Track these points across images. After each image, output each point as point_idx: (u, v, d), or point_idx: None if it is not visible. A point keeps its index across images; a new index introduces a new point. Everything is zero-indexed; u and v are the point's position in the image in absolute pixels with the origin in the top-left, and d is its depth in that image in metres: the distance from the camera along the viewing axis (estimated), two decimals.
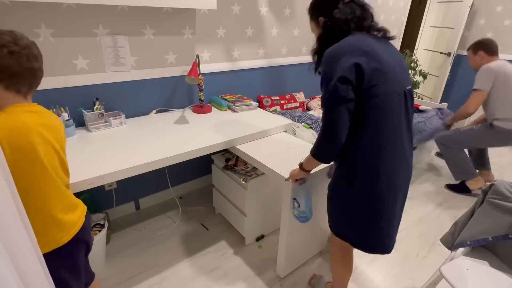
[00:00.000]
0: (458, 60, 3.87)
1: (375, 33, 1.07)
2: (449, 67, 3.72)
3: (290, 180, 1.32)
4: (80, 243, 1.00)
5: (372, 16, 1.08)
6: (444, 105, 2.98)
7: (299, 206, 1.33)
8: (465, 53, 3.75)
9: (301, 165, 1.23)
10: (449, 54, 3.66)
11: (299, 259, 1.71)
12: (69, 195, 0.98)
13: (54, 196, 0.90)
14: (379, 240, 1.12)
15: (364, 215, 1.08)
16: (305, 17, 2.75)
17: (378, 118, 0.98)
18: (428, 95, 4.04)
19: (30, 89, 0.88)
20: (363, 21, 1.05)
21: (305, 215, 1.33)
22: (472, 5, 3.46)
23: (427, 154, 3.14)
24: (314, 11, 1.13)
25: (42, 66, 0.90)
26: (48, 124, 0.89)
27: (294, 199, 1.34)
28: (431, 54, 3.97)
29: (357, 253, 1.84)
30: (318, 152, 1.10)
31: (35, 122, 0.84)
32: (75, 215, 0.98)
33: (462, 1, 3.47)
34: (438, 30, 3.81)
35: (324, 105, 1.01)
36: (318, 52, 1.13)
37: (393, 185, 1.04)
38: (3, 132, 0.77)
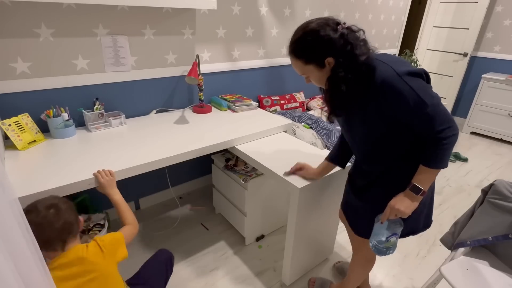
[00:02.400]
0: (471, 61, 3.88)
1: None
2: (465, 67, 3.71)
3: (396, 216, 1.04)
4: None
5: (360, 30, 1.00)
6: (444, 105, 2.98)
7: (396, 239, 1.09)
8: (479, 54, 3.78)
9: (419, 189, 0.98)
10: (465, 55, 3.65)
11: (305, 267, 1.68)
12: None
13: None
14: (431, 216, 1.20)
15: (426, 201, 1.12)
16: (305, 17, 2.76)
17: None
18: (442, 95, 4.02)
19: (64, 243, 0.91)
20: (366, 43, 0.98)
21: (396, 245, 1.13)
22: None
23: None
24: (314, 53, 0.97)
25: (67, 219, 0.92)
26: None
27: (394, 234, 1.08)
28: (439, 54, 3.95)
29: None
30: (447, 158, 0.95)
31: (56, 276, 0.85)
32: None
33: (477, 1, 3.45)
34: (448, 31, 3.79)
35: (430, 105, 0.90)
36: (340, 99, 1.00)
37: None
38: None
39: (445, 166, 0.95)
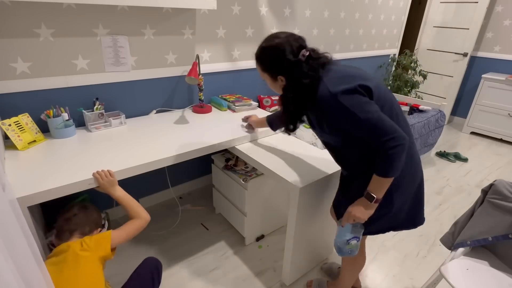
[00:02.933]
0: (471, 61, 3.88)
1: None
2: (465, 67, 3.71)
3: (354, 221, 1.11)
4: None
5: (323, 55, 1.07)
6: (444, 105, 2.98)
7: (358, 241, 1.15)
8: (479, 54, 3.78)
9: (372, 197, 1.04)
10: (465, 55, 3.65)
11: (305, 267, 1.68)
12: None
13: None
14: (420, 213, 1.23)
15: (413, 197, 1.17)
16: (305, 17, 2.76)
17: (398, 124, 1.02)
18: (441, 95, 4.02)
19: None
20: (326, 64, 1.05)
21: (358, 247, 1.18)
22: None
23: (427, 154, 3.14)
24: (270, 67, 1.09)
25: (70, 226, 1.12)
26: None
27: (355, 237, 1.14)
28: (439, 54, 3.94)
29: None
30: (395, 167, 0.97)
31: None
32: None
33: (477, 1, 3.45)
34: (448, 31, 3.79)
35: (365, 120, 0.94)
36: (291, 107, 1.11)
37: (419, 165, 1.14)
38: None
39: (394, 175, 0.99)
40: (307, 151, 1.62)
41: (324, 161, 1.52)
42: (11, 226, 0.58)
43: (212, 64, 2.15)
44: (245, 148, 1.65)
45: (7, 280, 0.48)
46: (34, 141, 1.45)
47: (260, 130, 1.75)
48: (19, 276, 0.56)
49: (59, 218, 1.15)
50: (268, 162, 1.50)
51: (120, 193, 1.22)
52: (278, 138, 1.79)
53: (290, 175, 1.39)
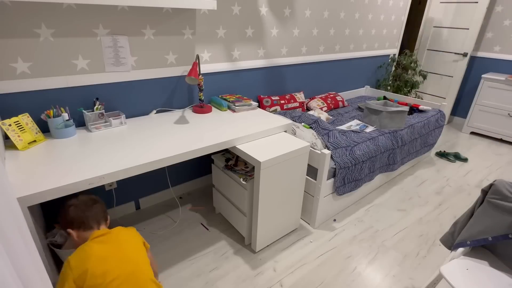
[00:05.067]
0: (471, 61, 3.89)
1: None
2: (465, 67, 3.71)
3: None
4: None
5: None
6: (444, 105, 2.98)
7: None
8: (479, 54, 3.78)
9: None
10: (465, 55, 3.65)
11: (272, 237, 1.87)
12: None
13: None
14: None
15: None
16: (305, 17, 2.76)
17: None
18: (441, 95, 4.01)
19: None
20: None
21: None
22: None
23: (427, 154, 3.15)
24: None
25: (93, 213, 1.18)
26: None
27: None
28: (439, 54, 3.94)
29: (357, 253, 1.85)
30: None
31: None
32: None
33: (477, 1, 3.45)
34: (448, 31, 3.79)
35: None
36: None
37: None
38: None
39: None
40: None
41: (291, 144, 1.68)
42: (10, 226, 0.58)
43: (212, 64, 2.16)
44: (245, 148, 1.65)
45: (6, 281, 0.48)
46: (34, 141, 1.45)
47: (260, 130, 1.76)
48: (17, 277, 0.56)
49: (72, 209, 1.17)
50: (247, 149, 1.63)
51: None
52: (278, 138, 1.79)
53: (258, 154, 1.59)
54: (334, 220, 2.14)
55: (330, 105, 2.93)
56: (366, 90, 3.65)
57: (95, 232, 1.14)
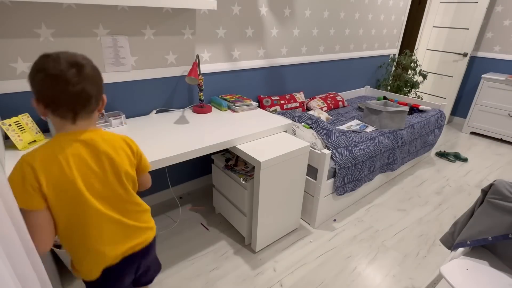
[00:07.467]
0: (471, 61, 3.89)
1: None
2: (465, 67, 3.71)
3: None
4: (120, 272, 0.93)
5: None
6: (444, 105, 2.98)
7: None
8: (479, 54, 3.78)
9: None
10: (465, 55, 3.65)
11: (272, 236, 1.87)
12: (125, 224, 0.92)
13: (98, 228, 0.86)
14: None
15: None
16: (305, 17, 2.76)
17: None
18: (441, 95, 4.01)
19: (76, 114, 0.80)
20: None
21: None
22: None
23: (427, 154, 3.15)
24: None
25: (87, 87, 0.79)
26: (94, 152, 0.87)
27: None
28: (439, 54, 3.94)
29: (357, 253, 1.85)
30: None
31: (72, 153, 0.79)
32: (125, 246, 0.92)
33: (477, 1, 3.45)
34: (448, 31, 3.79)
35: None
36: None
37: None
38: (38, 164, 0.74)
39: None
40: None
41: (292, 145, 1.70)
42: (9, 228, 0.58)
43: (212, 64, 2.16)
44: (245, 148, 1.65)
45: (6, 282, 0.48)
46: (35, 141, 1.45)
47: (260, 130, 1.76)
48: (16, 279, 0.56)
49: (41, 76, 0.73)
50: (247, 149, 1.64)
51: None
52: (278, 138, 1.79)
53: (258, 154, 1.60)
54: (334, 220, 2.15)
55: (330, 105, 2.94)
56: (366, 90, 3.65)
57: (72, 133, 0.81)
